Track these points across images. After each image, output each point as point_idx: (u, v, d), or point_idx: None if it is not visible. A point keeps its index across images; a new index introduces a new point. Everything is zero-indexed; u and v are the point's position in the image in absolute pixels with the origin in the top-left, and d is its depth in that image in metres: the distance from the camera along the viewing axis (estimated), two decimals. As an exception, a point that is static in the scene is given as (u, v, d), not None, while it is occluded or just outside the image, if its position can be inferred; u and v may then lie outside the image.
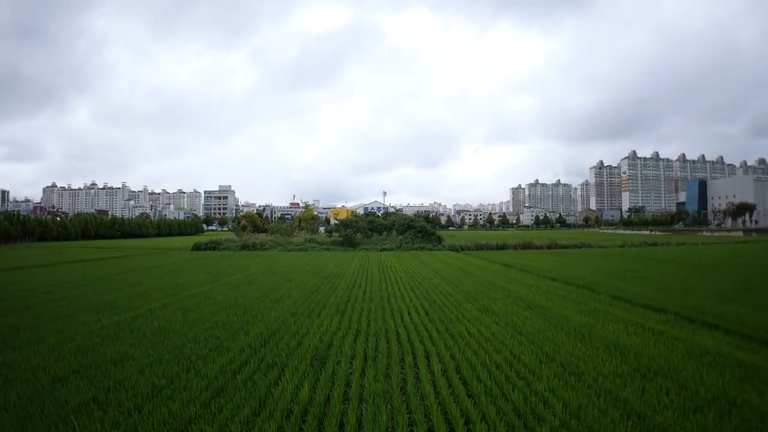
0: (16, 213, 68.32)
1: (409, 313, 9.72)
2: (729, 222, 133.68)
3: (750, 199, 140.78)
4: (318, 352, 6.61)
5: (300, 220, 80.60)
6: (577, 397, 4.91)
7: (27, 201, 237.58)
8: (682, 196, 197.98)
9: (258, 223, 79.42)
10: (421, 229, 43.27)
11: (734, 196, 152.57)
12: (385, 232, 49.02)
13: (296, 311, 9.88)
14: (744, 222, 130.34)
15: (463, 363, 6.07)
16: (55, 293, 12.66)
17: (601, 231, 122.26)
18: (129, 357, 6.34)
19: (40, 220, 68.82)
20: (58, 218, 77.16)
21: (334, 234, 47.18)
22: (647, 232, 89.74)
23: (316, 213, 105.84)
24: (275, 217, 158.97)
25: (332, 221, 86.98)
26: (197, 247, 39.38)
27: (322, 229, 65.23)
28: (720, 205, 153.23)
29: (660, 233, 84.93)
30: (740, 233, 76.93)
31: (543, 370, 5.81)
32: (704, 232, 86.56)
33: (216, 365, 5.95)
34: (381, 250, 36.57)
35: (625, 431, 4.17)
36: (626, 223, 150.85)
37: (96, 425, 4.30)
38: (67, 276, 17.32)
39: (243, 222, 76.34)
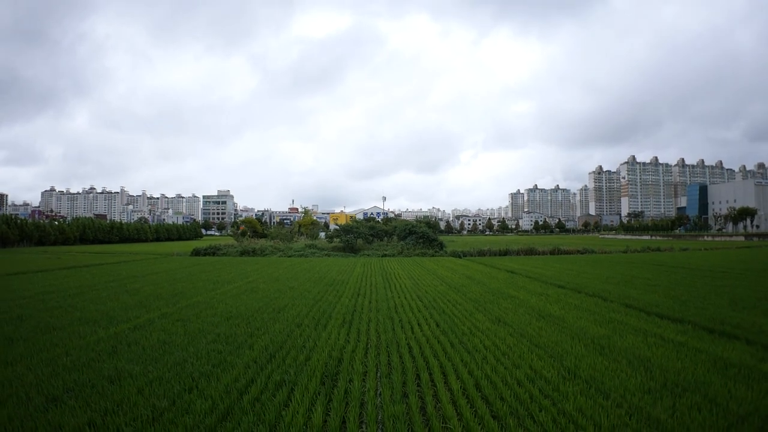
0: (14, 217, 67.51)
1: (419, 324, 9.37)
2: (730, 227, 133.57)
3: (751, 204, 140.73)
4: (328, 368, 6.25)
5: (300, 225, 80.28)
6: (608, 418, 4.69)
7: (26, 205, 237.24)
8: (682, 201, 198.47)
9: (258, 228, 78.93)
10: (423, 234, 42.91)
11: (735, 201, 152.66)
12: (386, 238, 48.75)
13: (301, 322, 9.52)
14: (745, 227, 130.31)
15: (482, 380, 5.74)
16: (50, 301, 12.28)
17: (601, 236, 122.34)
18: (127, 374, 5.97)
19: (38, 224, 68.30)
20: (56, 222, 76.53)
21: (334, 239, 46.86)
22: (648, 237, 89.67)
23: (315, 218, 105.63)
24: (274, 222, 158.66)
25: (332, 226, 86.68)
26: (196, 253, 39.03)
27: (322, 234, 64.87)
28: (721, 210, 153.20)
29: (661, 238, 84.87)
30: (742, 238, 76.72)
31: (567, 387, 5.53)
32: (706, 237, 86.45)
33: (220, 384, 5.58)
34: (382, 256, 36.25)
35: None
36: (626, 228, 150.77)
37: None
38: (64, 283, 16.91)
39: (243, 227, 75.84)
